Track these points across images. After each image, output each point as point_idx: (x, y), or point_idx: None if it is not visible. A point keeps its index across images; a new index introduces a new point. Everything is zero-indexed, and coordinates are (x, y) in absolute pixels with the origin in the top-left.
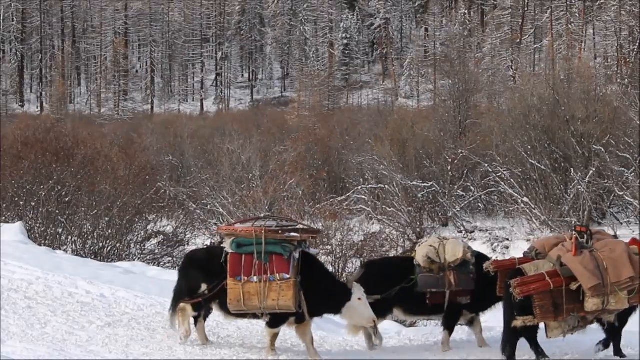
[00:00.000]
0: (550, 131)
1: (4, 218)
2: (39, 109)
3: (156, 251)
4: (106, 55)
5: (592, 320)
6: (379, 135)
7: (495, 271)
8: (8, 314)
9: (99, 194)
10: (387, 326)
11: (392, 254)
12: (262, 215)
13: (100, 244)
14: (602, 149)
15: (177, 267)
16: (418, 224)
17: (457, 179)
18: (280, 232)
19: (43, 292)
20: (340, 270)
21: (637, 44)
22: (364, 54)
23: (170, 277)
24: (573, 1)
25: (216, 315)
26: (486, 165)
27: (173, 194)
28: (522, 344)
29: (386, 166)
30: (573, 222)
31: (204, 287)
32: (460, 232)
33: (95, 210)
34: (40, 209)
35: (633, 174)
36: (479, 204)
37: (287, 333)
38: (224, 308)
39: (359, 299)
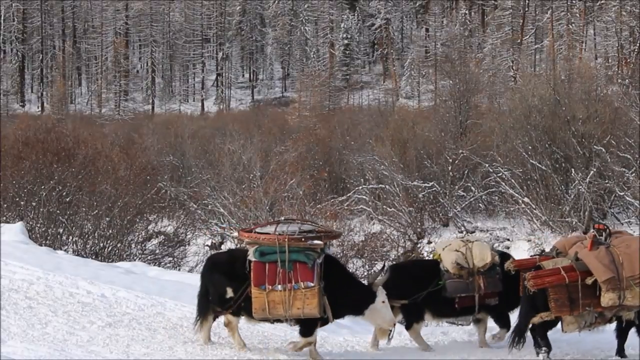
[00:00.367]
0: (551, 131)
1: (4, 218)
2: (40, 109)
3: (157, 251)
4: (107, 55)
5: (610, 317)
6: (380, 135)
7: (517, 270)
8: (9, 314)
9: (100, 194)
10: None
11: (393, 254)
12: (283, 218)
13: (101, 244)
14: (603, 149)
15: (178, 268)
16: (419, 224)
17: (457, 179)
18: (303, 239)
19: (44, 292)
20: None
21: (638, 44)
22: (365, 54)
23: (171, 277)
24: (574, 1)
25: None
26: (487, 165)
27: (174, 194)
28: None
29: (387, 166)
30: (574, 223)
31: (229, 290)
32: (461, 232)
33: (96, 211)
34: (41, 209)
35: (634, 174)
36: (480, 204)
37: (288, 333)
38: (245, 312)
39: (383, 302)
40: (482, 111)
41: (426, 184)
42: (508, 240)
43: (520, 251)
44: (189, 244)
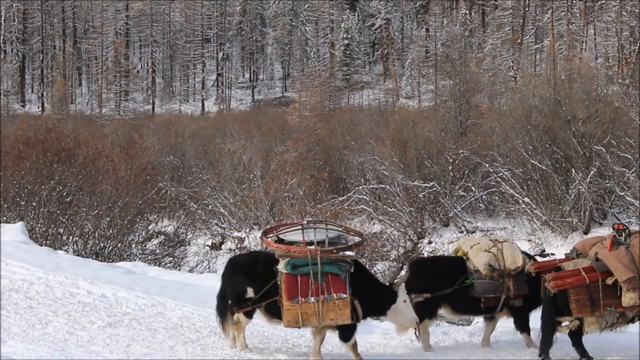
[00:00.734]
0: (551, 131)
1: (5, 218)
2: (40, 109)
3: (157, 251)
4: (107, 55)
5: (632, 317)
6: (380, 135)
7: (537, 272)
8: (9, 314)
9: (100, 194)
10: (388, 326)
11: (393, 254)
12: (306, 221)
13: (102, 244)
14: (603, 149)
15: (178, 268)
16: (419, 224)
17: (458, 179)
18: (335, 251)
19: (44, 292)
20: None
21: (638, 44)
22: (365, 54)
23: (171, 277)
24: (574, 1)
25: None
26: (487, 165)
27: (174, 194)
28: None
29: (387, 166)
30: (574, 223)
31: (249, 291)
32: (461, 232)
33: (97, 211)
34: (42, 209)
35: (634, 174)
36: (480, 204)
37: (289, 333)
38: (269, 313)
39: (404, 301)
40: (483, 111)
41: (426, 184)
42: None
43: None
44: (189, 244)
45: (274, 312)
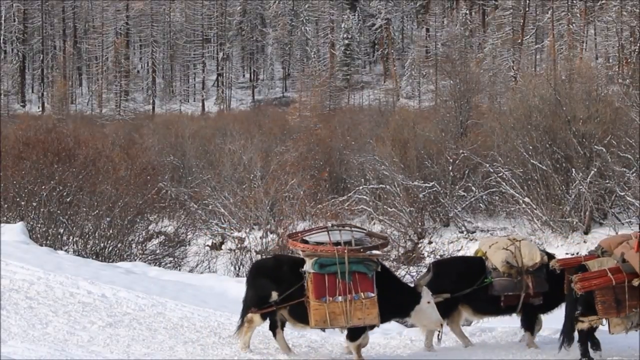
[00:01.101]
0: (552, 131)
1: (5, 218)
2: (40, 109)
3: (157, 251)
4: (107, 55)
5: None
6: (380, 135)
7: (561, 269)
8: (9, 314)
9: (100, 194)
10: (388, 326)
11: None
12: (330, 224)
13: (102, 244)
14: (604, 149)
15: (178, 268)
16: (419, 224)
17: (458, 179)
18: (362, 250)
19: (44, 292)
20: None
21: (638, 45)
22: (365, 54)
23: (172, 277)
24: (574, 1)
25: (217, 315)
26: (487, 165)
27: (174, 194)
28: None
29: (387, 166)
30: (574, 223)
31: (274, 295)
32: (462, 232)
33: (97, 211)
34: (42, 209)
35: (634, 174)
36: (480, 204)
37: (289, 334)
38: (294, 317)
39: (428, 302)
40: (483, 111)
41: (427, 184)
42: None
43: None
44: (189, 244)
45: (300, 316)
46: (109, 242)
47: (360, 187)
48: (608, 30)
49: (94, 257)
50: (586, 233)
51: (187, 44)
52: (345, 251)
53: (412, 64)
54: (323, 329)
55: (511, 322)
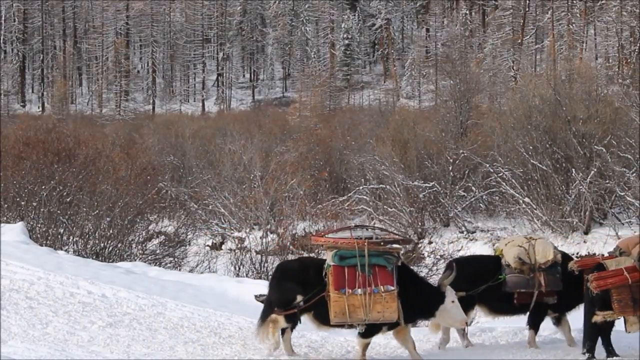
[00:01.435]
0: (552, 131)
1: (5, 218)
2: (41, 109)
3: (157, 251)
4: (107, 55)
5: None
6: (380, 135)
7: (580, 270)
8: (9, 314)
9: (101, 194)
10: None
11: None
12: (354, 224)
13: (102, 244)
14: (604, 150)
15: (178, 268)
16: (419, 224)
17: (458, 179)
18: (382, 243)
19: (44, 292)
20: None
21: (638, 45)
22: (365, 55)
23: (172, 277)
24: (574, 1)
25: (217, 315)
26: (487, 165)
27: (174, 194)
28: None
29: (387, 166)
30: (574, 223)
31: (299, 298)
32: (462, 232)
33: (97, 211)
34: (42, 209)
35: (634, 174)
36: (480, 205)
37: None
38: (318, 319)
39: (452, 301)
40: (483, 111)
41: (427, 184)
42: None
43: None
44: (189, 244)
45: (323, 318)
46: (109, 242)
47: (360, 187)
48: (608, 30)
49: (94, 257)
50: (586, 233)
51: (187, 44)
52: (365, 244)
53: (412, 64)
54: (342, 325)
55: (511, 322)
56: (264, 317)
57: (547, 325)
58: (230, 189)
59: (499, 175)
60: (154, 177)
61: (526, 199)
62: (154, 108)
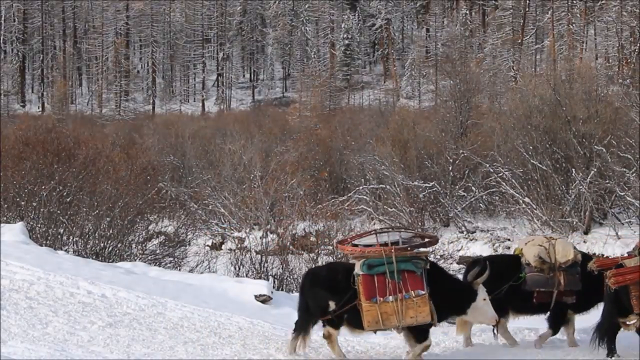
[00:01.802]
0: (552, 131)
1: (5, 218)
2: (40, 109)
3: (157, 251)
4: (107, 55)
5: None
6: (380, 135)
7: (599, 270)
8: (9, 314)
9: (101, 194)
10: None
11: None
12: (379, 228)
13: (102, 244)
14: (604, 150)
15: (178, 268)
16: (419, 224)
17: (458, 179)
18: (409, 248)
19: (44, 293)
20: None
21: (638, 45)
22: (365, 55)
23: (172, 277)
24: (574, 1)
25: (217, 315)
26: (487, 165)
27: (174, 195)
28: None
29: (387, 166)
30: (574, 223)
31: (332, 304)
32: (462, 232)
33: (97, 211)
34: (42, 209)
35: (634, 174)
36: (480, 204)
37: (289, 334)
38: (351, 323)
39: (484, 299)
40: (483, 111)
41: (427, 184)
42: (509, 240)
43: None
44: (189, 244)
45: (356, 322)
46: (109, 242)
47: (360, 187)
48: (608, 30)
49: (94, 257)
50: (586, 233)
51: (187, 44)
52: (392, 251)
53: (412, 64)
54: (375, 331)
55: (511, 323)
56: (304, 326)
57: (545, 325)
58: (230, 189)
59: (499, 175)
60: (154, 177)
61: (526, 199)
62: (154, 108)
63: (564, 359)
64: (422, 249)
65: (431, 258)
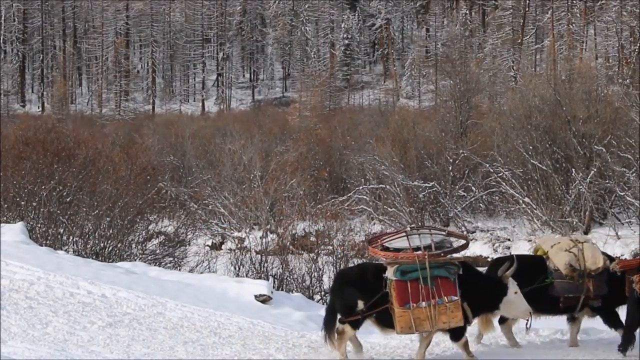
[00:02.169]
0: (552, 131)
1: (5, 218)
2: (40, 109)
3: (157, 251)
4: (107, 55)
5: None
6: (380, 135)
7: (622, 271)
8: (9, 314)
9: (100, 194)
10: None
11: None
12: (409, 227)
13: (102, 244)
14: (604, 149)
15: (178, 268)
16: (419, 224)
17: (458, 179)
18: (442, 254)
19: (44, 292)
20: None
21: (638, 45)
22: (365, 54)
23: (172, 277)
24: (574, 1)
25: (217, 315)
26: (487, 165)
27: (174, 194)
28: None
29: (387, 166)
30: (574, 223)
31: (360, 304)
32: (462, 232)
33: (97, 211)
34: (42, 209)
35: (634, 174)
36: (480, 204)
37: (289, 333)
38: (381, 323)
39: (515, 292)
40: (483, 111)
41: (427, 184)
42: (509, 240)
43: (521, 251)
44: (189, 244)
45: (386, 322)
46: (109, 242)
47: (360, 187)
48: (608, 30)
49: (94, 257)
50: (586, 233)
51: (187, 43)
52: (426, 257)
53: (412, 64)
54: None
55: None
56: (329, 325)
57: (547, 325)
58: (230, 189)
59: (499, 175)
60: (153, 177)
61: (526, 199)
62: (153, 108)
63: (564, 359)
64: (455, 255)
65: None
